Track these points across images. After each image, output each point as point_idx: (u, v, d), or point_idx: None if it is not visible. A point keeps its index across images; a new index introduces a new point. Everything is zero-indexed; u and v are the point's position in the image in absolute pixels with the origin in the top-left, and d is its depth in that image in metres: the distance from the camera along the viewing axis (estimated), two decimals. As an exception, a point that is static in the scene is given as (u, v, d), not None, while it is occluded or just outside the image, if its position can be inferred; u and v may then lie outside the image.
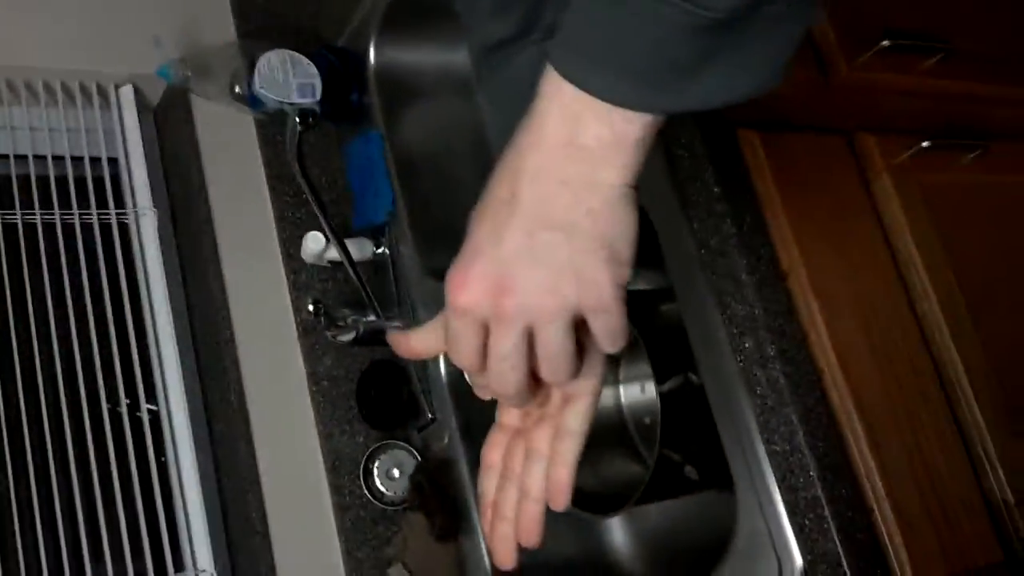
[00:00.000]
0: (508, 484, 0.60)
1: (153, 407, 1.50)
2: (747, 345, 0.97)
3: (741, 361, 0.97)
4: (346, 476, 1.42)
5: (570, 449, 0.60)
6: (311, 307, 1.35)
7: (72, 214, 1.48)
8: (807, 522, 0.92)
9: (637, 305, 1.26)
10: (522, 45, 0.64)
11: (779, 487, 0.94)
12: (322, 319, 1.37)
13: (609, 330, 0.55)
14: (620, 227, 0.53)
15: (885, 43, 1.18)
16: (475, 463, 1.36)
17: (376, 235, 1.50)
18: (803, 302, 1.00)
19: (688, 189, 1.02)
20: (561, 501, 0.59)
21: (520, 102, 0.55)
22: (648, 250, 1.11)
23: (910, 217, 1.13)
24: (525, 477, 0.60)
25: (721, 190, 1.00)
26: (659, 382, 1.18)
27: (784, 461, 0.94)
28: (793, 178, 1.06)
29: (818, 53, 1.18)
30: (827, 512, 0.91)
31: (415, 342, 0.62)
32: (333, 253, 1.43)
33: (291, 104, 1.51)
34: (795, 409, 0.94)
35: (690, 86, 0.50)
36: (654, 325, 1.24)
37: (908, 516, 0.94)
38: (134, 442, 1.43)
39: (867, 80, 1.20)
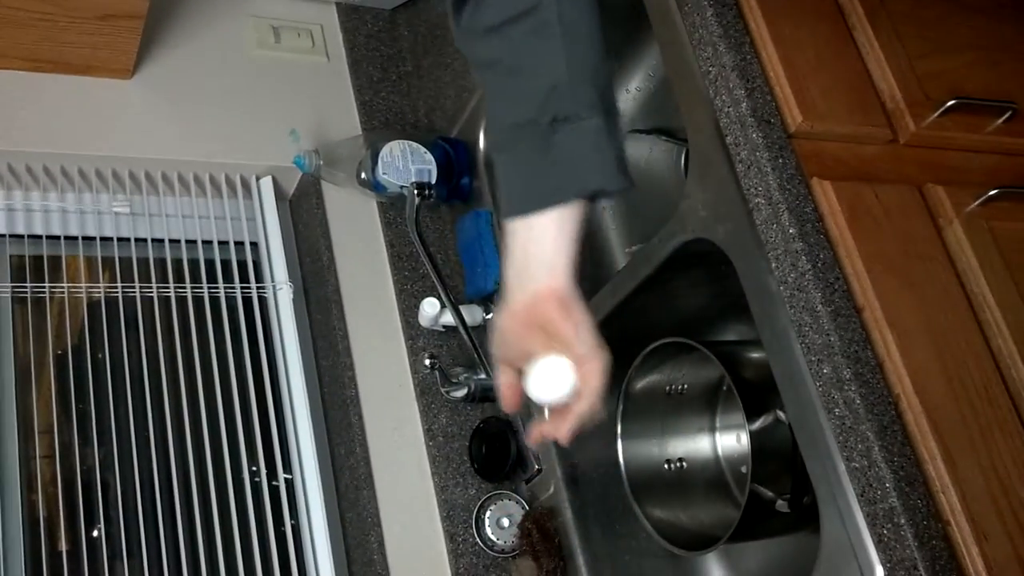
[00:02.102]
0: None
1: (288, 475, 1.64)
2: (825, 371, 1.05)
3: (820, 385, 1.06)
4: (459, 525, 1.52)
5: None
6: (428, 362, 1.48)
7: (218, 288, 1.66)
8: (885, 531, 0.99)
9: (730, 355, 1.35)
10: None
11: (858, 500, 1.01)
12: (437, 374, 1.50)
13: None
14: None
15: (951, 103, 1.28)
16: (580, 510, 1.45)
17: (486, 302, 1.63)
18: (878, 333, 1.08)
19: (767, 233, 1.13)
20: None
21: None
22: (738, 305, 1.21)
23: (983, 261, 1.20)
24: None
25: (797, 231, 1.10)
26: (750, 422, 1.26)
27: (863, 476, 1.01)
28: (865, 224, 1.15)
29: (887, 114, 1.28)
30: (903, 521, 0.98)
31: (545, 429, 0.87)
32: (447, 318, 1.57)
33: (410, 187, 1.67)
34: (871, 427, 1.01)
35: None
36: (745, 373, 1.33)
37: (984, 528, 0.99)
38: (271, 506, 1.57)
39: (935, 139, 1.29)
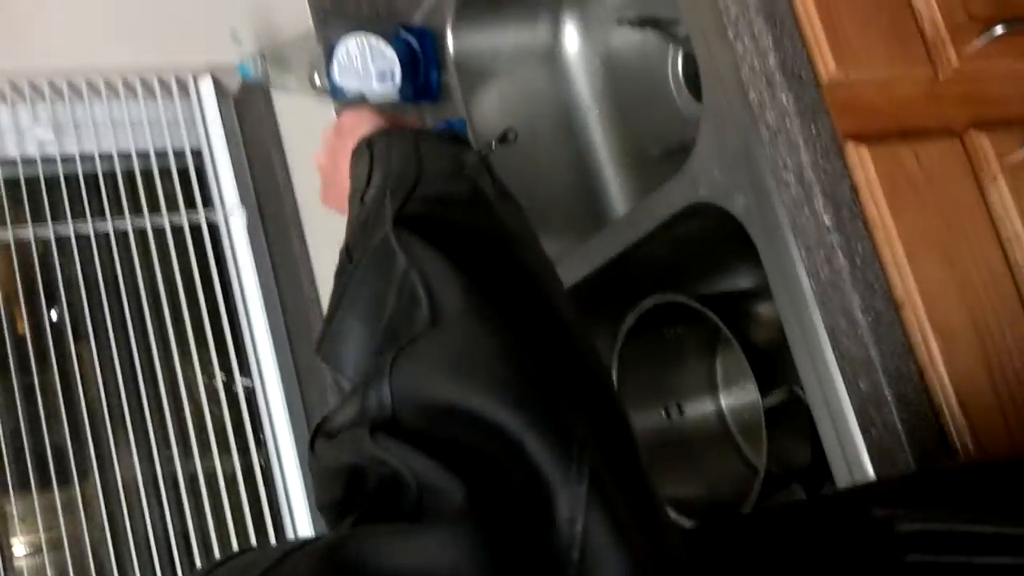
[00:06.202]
0: None
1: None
2: (862, 387, 0.95)
3: (855, 399, 0.95)
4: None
5: None
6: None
7: (162, 217, 1.49)
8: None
9: (732, 308, 1.24)
10: None
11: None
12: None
13: None
14: None
15: (998, 30, 1.11)
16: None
17: (463, 224, 1.48)
18: (919, 335, 0.97)
19: (797, 216, 0.99)
20: None
21: None
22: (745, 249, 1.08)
23: (1027, 220, 1.08)
24: None
25: (832, 220, 0.96)
26: (762, 393, 1.17)
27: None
28: (905, 196, 1.01)
29: (926, 44, 1.11)
30: (946, 559, 0.90)
31: None
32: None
33: (372, 91, 1.49)
34: (912, 455, 0.92)
35: None
36: (751, 331, 1.22)
37: None
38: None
39: (979, 70, 1.13)
